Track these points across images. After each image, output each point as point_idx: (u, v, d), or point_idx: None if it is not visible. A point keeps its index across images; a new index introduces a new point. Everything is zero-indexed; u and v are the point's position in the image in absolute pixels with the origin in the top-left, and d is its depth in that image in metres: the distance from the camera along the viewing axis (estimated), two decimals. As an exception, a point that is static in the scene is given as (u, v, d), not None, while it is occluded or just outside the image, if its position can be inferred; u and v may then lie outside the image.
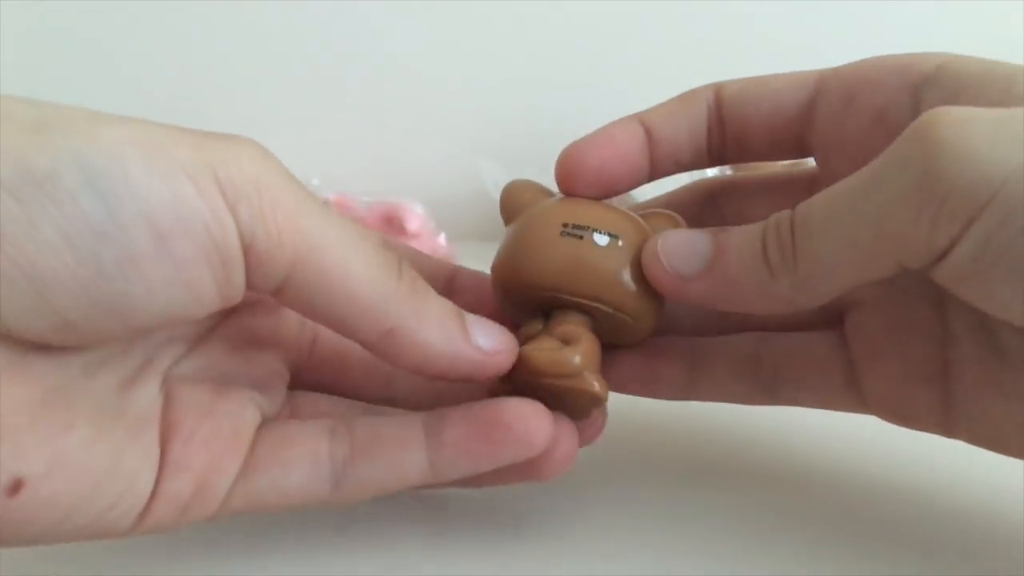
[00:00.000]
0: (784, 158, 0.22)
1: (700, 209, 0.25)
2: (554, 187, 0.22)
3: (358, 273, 0.16)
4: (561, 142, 0.22)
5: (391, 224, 0.49)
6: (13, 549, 0.19)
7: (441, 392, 0.22)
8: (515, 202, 0.22)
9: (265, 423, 0.19)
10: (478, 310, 0.19)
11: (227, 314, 0.21)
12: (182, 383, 0.19)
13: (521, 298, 0.21)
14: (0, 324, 0.14)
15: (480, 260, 0.23)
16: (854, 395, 0.22)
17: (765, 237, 0.18)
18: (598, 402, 0.20)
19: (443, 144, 0.60)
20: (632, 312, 0.20)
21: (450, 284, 0.23)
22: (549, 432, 0.18)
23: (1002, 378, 0.19)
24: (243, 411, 0.19)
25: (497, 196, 0.23)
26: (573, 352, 0.19)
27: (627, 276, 0.20)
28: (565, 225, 0.20)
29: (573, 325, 0.20)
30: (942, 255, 0.16)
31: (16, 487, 0.14)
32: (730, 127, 0.22)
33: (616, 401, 0.20)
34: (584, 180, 0.21)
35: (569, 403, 0.20)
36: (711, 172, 0.50)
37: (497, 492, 0.23)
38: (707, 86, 0.22)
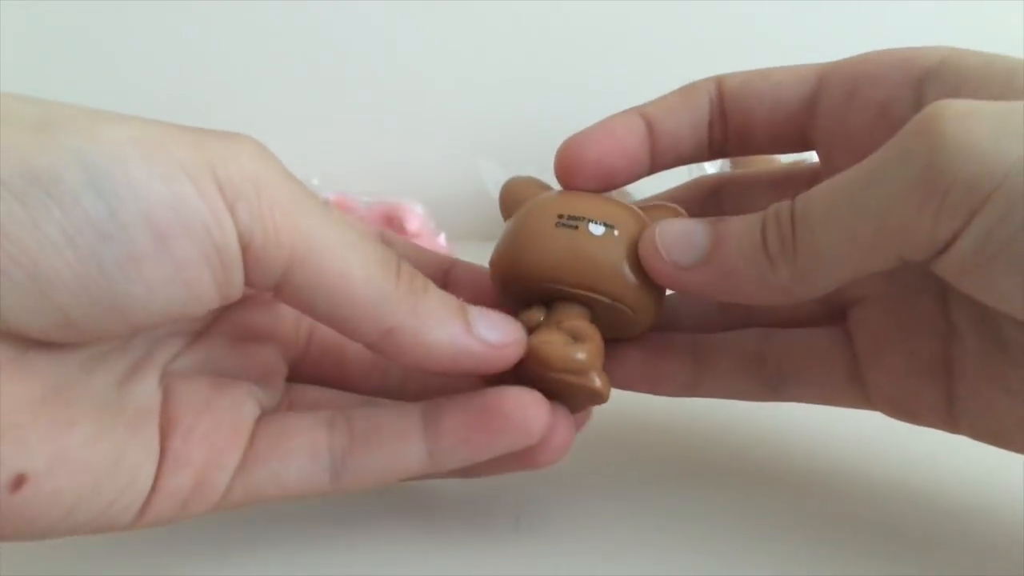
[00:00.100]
0: (786, 152, 0.22)
1: (702, 205, 0.25)
2: (555, 185, 0.22)
3: (356, 273, 0.16)
4: (561, 142, 0.22)
5: (391, 224, 0.49)
6: (14, 546, 0.19)
7: (438, 383, 0.22)
8: (514, 198, 0.22)
9: (263, 416, 0.19)
10: (476, 303, 0.19)
11: (225, 309, 0.21)
12: (181, 378, 0.19)
13: (519, 290, 0.20)
14: (1, 322, 0.14)
15: (480, 260, 0.23)
16: (858, 391, 0.22)
17: (765, 227, 0.18)
18: (600, 400, 0.19)
19: (443, 144, 0.60)
20: (631, 303, 0.20)
21: (446, 277, 0.23)
22: (546, 421, 0.18)
23: (1005, 373, 0.19)
24: (242, 405, 0.19)
25: (497, 196, 0.23)
26: (583, 349, 0.19)
27: (624, 266, 0.20)
28: (560, 216, 0.20)
29: (579, 320, 0.20)
30: (944, 248, 0.16)
31: (19, 483, 0.14)
32: (732, 120, 0.22)
33: (617, 399, 0.20)
34: (583, 173, 0.21)
35: (568, 396, 0.20)
36: (709, 168, 0.50)
37: (497, 490, 0.23)
38: (709, 79, 0.22)
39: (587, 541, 0.22)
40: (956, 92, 0.18)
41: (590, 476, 0.25)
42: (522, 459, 0.19)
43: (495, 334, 0.18)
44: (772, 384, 0.23)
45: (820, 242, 0.17)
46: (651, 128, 0.22)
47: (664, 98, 0.22)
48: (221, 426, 0.18)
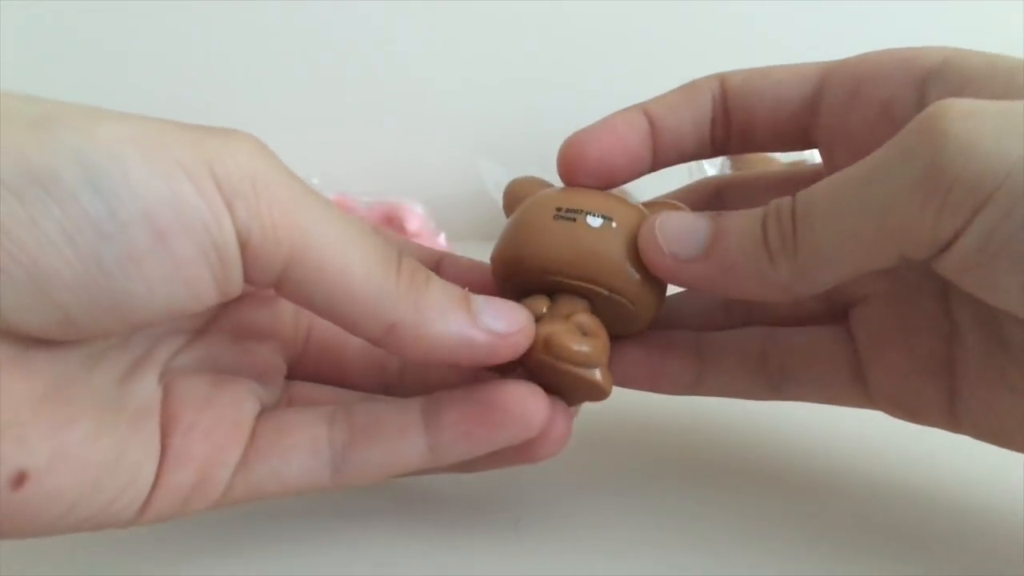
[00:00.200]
0: (788, 150, 0.22)
1: (705, 206, 0.25)
2: (558, 185, 0.22)
3: (356, 269, 0.16)
4: (561, 142, 0.22)
5: (391, 224, 0.49)
6: (14, 546, 0.19)
7: (436, 378, 0.22)
8: (516, 197, 0.22)
9: (264, 412, 0.19)
10: None
11: (225, 307, 0.21)
12: (181, 375, 0.19)
13: (519, 283, 0.20)
14: (1, 320, 0.14)
15: (481, 260, 0.23)
16: (860, 390, 0.22)
17: (766, 222, 0.18)
18: (601, 396, 0.19)
19: (443, 144, 0.60)
20: (630, 296, 0.20)
21: (435, 270, 0.23)
22: (546, 414, 0.18)
23: (1007, 371, 0.19)
24: (242, 402, 0.19)
25: (497, 196, 0.23)
26: (594, 344, 0.19)
27: (624, 258, 0.20)
28: (559, 209, 0.20)
29: (584, 314, 0.20)
30: (946, 246, 0.16)
31: (20, 480, 0.14)
32: (735, 118, 0.22)
33: (617, 399, 0.20)
34: (585, 170, 0.21)
35: (568, 390, 0.20)
36: (709, 168, 0.51)
37: (497, 490, 0.23)
38: (711, 76, 0.22)
39: (587, 541, 0.22)
40: (959, 92, 0.18)
41: (590, 476, 0.25)
42: (520, 453, 0.19)
43: (501, 323, 0.18)
44: (774, 383, 0.23)
45: (821, 239, 0.17)
46: (653, 125, 0.22)
47: (666, 95, 0.22)
48: (222, 423, 0.18)
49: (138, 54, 0.57)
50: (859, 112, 0.20)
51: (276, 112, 0.58)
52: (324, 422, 0.19)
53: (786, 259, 0.18)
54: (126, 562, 0.20)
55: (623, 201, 0.21)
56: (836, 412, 0.23)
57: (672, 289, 0.21)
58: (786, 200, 0.18)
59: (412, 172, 0.58)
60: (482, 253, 0.23)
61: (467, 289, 0.18)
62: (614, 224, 0.20)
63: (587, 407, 0.22)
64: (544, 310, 0.20)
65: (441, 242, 0.49)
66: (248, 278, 0.16)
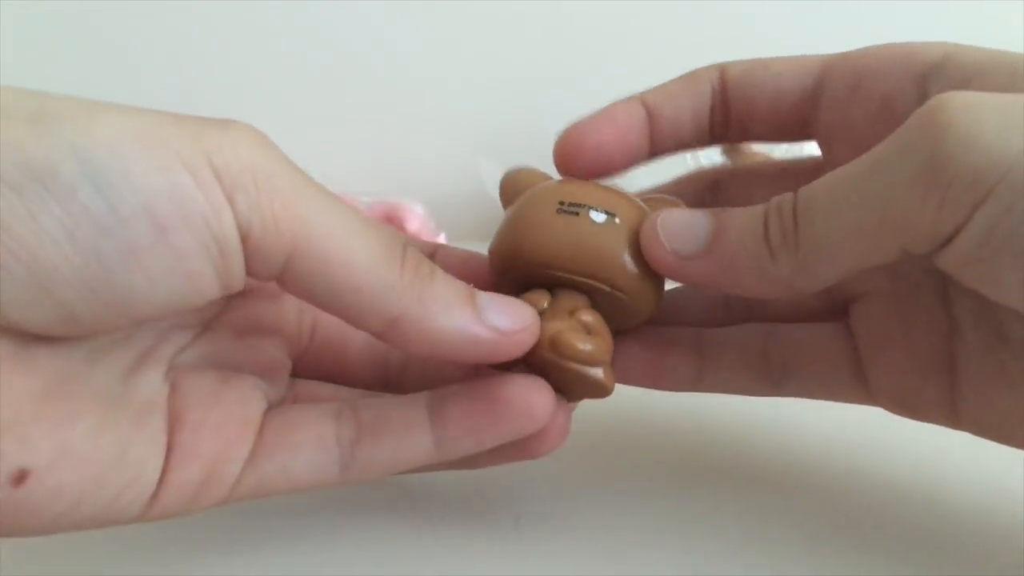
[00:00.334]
0: (787, 141, 0.23)
1: (701, 197, 0.25)
2: (556, 177, 0.22)
3: (359, 261, 0.16)
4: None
5: (391, 224, 0.49)
6: (14, 545, 0.19)
7: (438, 374, 0.22)
8: (515, 188, 0.22)
9: (271, 409, 0.19)
10: None
11: (230, 303, 0.21)
12: (187, 371, 0.19)
13: (518, 277, 0.20)
14: (1, 316, 0.14)
15: (476, 251, 0.23)
16: (860, 387, 0.22)
17: (767, 219, 0.18)
18: (604, 394, 0.19)
19: (443, 144, 0.60)
20: (630, 292, 0.20)
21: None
22: (551, 408, 0.18)
23: (1007, 367, 0.19)
24: (250, 398, 0.19)
25: (497, 196, 0.23)
26: (599, 343, 0.19)
27: (625, 254, 0.20)
28: (561, 203, 0.20)
29: (586, 311, 0.20)
30: (947, 241, 0.15)
31: (21, 477, 0.14)
32: (735, 108, 0.22)
33: (618, 399, 0.20)
34: (582, 160, 0.21)
35: (570, 387, 0.19)
36: (705, 161, 0.50)
37: (497, 490, 0.23)
38: (711, 66, 0.22)
39: (587, 541, 0.22)
40: (960, 87, 0.18)
41: (590, 476, 0.25)
42: (521, 448, 0.19)
43: (506, 320, 0.18)
44: (774, 379, 0.23)
45: (822, 234, 0.17)
46: (651, 114, 0.22)
47: (666, 84, 0.22)
48: (230, 419, 0.18)
49: (137, 54, 0.57)
50: (859, 106, 0.20)
51: (276, 112, 0.57)
52: (331, 419, 0.19)
53: (787, 255, 0.18)
54: (126, 562, 0.20)
55: (625, 196, 0.21)
56: (837, 412, 0.23)
57: (670, 284, 0.21)
58: (787, 196, 0.18)
59: (412, 172, 0.58)
60: (482, 252, 0.23)
61: (472, 285, 0.18)
62: (617, 220, 0.20)
63: (588, 406, 0.22)
64: (545, 305, 0.20)
65: (441, 242, 0.49)
66: (250, 271, 0.16)
